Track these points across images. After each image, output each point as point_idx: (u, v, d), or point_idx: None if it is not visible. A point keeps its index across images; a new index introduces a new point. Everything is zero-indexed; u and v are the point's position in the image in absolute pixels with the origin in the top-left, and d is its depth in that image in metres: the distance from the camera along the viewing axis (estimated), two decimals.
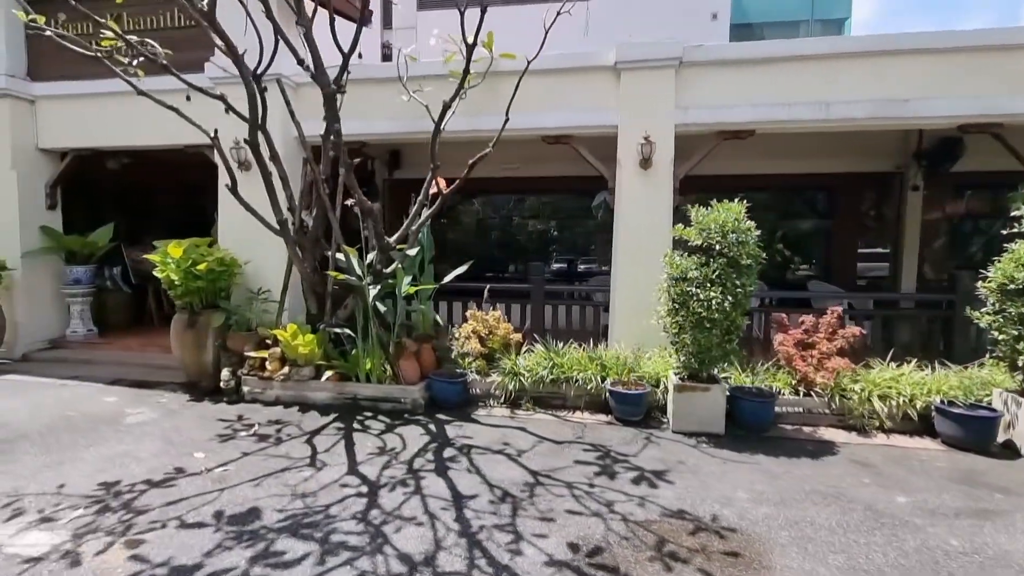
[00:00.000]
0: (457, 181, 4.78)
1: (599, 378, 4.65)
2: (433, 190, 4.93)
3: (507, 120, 4.68)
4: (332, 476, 3.32)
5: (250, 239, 5.74)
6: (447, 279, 5.27)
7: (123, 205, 9.14)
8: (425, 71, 5.31)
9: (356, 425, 4.27)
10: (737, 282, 3.88)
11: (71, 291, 6.83)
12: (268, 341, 4.96)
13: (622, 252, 5.33)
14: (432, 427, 4.25)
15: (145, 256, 5.21)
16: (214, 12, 4.13)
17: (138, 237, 8.37)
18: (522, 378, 4.76)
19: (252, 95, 4.23)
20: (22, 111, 6.53)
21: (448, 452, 3.73)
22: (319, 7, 6.14)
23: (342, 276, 4.53)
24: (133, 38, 4.40)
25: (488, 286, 5.32)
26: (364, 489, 3.15)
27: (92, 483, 3.18)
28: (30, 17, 4.30)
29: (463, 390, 4.80)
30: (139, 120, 6.31)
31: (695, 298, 3.91)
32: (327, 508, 2.92)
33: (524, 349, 5.15)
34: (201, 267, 5.01)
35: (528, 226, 9.49)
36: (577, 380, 4.68)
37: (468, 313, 5.32)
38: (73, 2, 4.26)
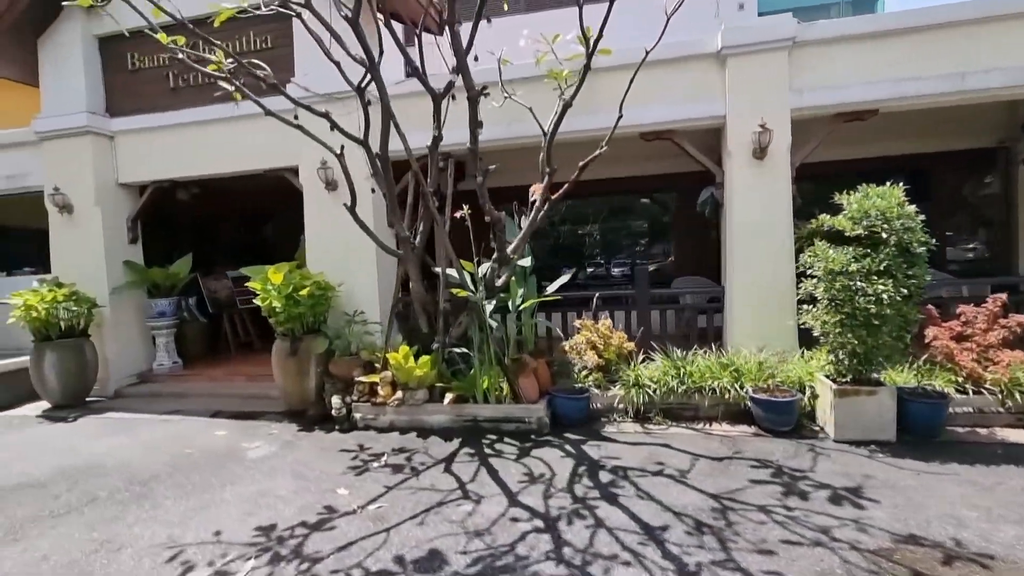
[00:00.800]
0: (566, 185, 4.54)
1: (737, 386, 4.31)
2: (532, 197, 4.69)
3: (620, 116, 4.41)
4: (496, 509, 3.06)
5: (340, 260, 5.61)
6: (551, 289, 5.02)
7: (191, 235, 9.19)
8: (516, 74, 5.11)
9: (487, 450, 4.02)
10: (909, 272, 3.51)
11: (156, 324, 6.79)
12: (377, 365, 4.76)
13: (738, 250, 4.99)
14: (569, 448, 3.96)
15: (247, 284, 5.07)
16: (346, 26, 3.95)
17: (207, 266, 8.36)
18: (648, 390, 4.45)
19: (386, 107, 4.03)
20: (103, 147, 6.55)
21: (604, 476, 3.44)
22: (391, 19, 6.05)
23: (464, 293, 4.30)
24: (222, 61, 4.23)
25: (597, 294, 5.03)
26: (539, 523, 2.88)
27: (247, 528, 2.97)
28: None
29: (586, 406, 4.51)
30: (217, 148, 6.28)
31: (860, 293, 3.56)
32: (512, 547, 2.65)
33: (641, 359, 4.84)
34: (303, 292, 4.85)
35: (587, 229, 9.19)
36: (713, 389, 4.34)
37: (577, 323, 5.04)
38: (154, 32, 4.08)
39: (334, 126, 4.33)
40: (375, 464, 3.84)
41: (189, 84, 6.34)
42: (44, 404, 6.18)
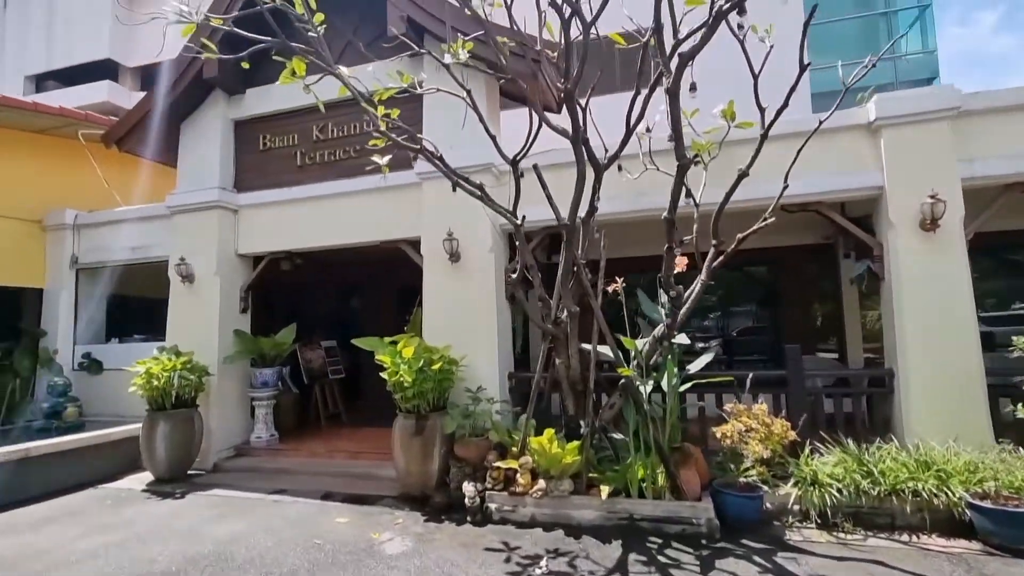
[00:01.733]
0: (720, 257, 4.25)
1: (946, 490, 3.67)
2: (678, 269, 4.41)
3: (786, 186, 4.17)
4: None
5: (460, 333, 5.40)
6: (696, 367, 4.60)
7: (285, 304, 9.32)
8: (649, 148, 5.06)
9: (659, 557, 3.47)
10: None
11: (258, 394, 6.68)
12: (514, 449, 4.37)
13: (910, 328, 4.49)
14: (761, 561, 3.37)
15: (378, 358, 4.90)
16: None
17: (300, 335, 8.36)
18: (830, 490, 3.85)
19: (581, 174, 3.94)
20: (228, 221, 6.82)
21: None
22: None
23: (628, 371, 3.95)
24: (385, 135, 4.31)
25: (751, 374, 4.57)
26: None
27: None
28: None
29: (760, 506, 3.93)
30: (336, 220, 6.42)
31: None
32: None
33: (807, 451, 4.26)
34: (436, 366, 4.62)
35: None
36: (915, 492, 3.71)
37: (728, 408, 4.55)
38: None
39: (484, 197, 4.27)
40: (536, 571, 3.35)
41: (315, 161, 6.63)
42: (146, 476, 6.00)
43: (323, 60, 3.69)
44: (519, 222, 4.34)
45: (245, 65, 3.95)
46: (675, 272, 4.33)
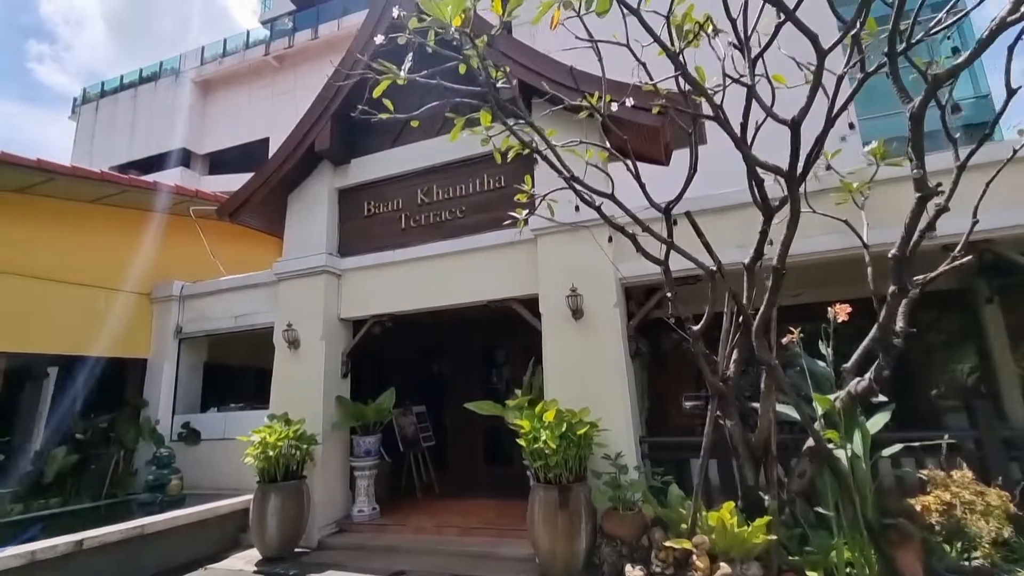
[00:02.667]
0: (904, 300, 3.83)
1: None
2: (841, 318, 3.99)
3: (976, 221, 3.80)
4: None
5: (585, 393, 5.03)
6: (872, 428, 4.05)
7: (372, 369, 9.20)
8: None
9: None
10: None
11: (360, 464, 6.39)
12: (683, 526, 3.85)
13: None
14: None
15: (514, 422, 4.58)
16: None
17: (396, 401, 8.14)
18: None
19: (771, 214, 3.66)
20: (332, 285, 6.87)
21: None
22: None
23: (833, 434, 3.49)
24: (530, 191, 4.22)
25: (945, 435, 3.98)
26: None
27: None
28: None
29: None
30: (443, 281, 6.34)
31: None
32: None
33: None
34: (581, 431, 4.26)
35: None
36: None
37: (923, 473, 3.94)
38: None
39: (639, 248, 4.06)
40: None
41: (419, 223, 6.69)
42: (250, 554, 5.68)
43: (508, 113, 3.64)
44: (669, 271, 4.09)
45: (414, 124, 3.94)
46: (840, 321, 3.92)
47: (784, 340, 3.79)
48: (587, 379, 5.15)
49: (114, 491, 6.80)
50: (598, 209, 4.00)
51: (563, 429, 4.28)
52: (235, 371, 8.66)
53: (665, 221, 4.07)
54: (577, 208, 4.95)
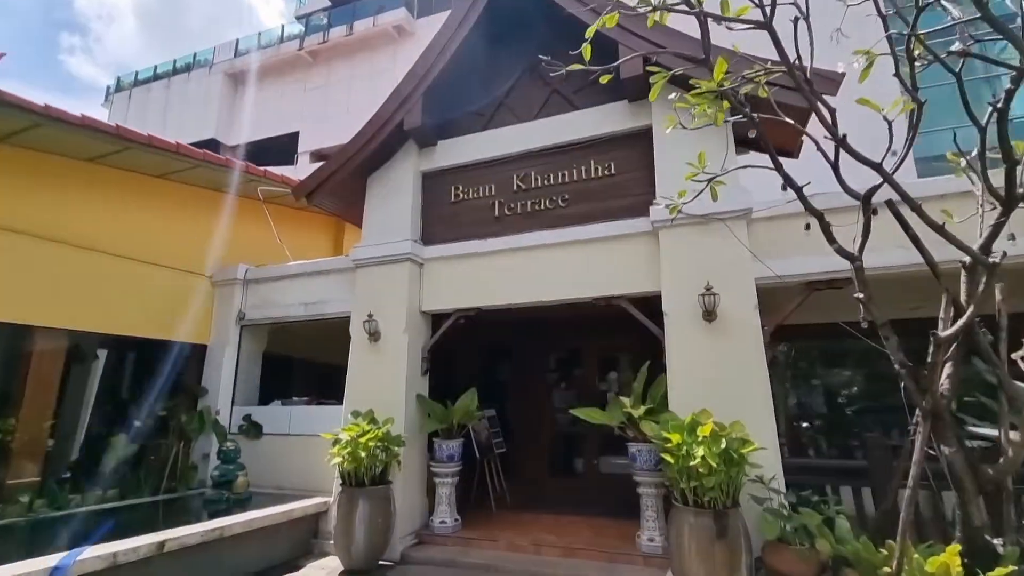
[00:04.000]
0: None
1: None
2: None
3: None
4: None
5: (722, 405, 4.43)
6: None
7: (447, 368, 8.66)
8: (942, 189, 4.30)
9: None
10: None
11: (442, 470, 5.85)
12: (887, 569, 3.25)
13: None
14: None
15: (663, 435, 4.02)
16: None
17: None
18: None
19: (1014, 204, 3.04)
20: (415, 275, 6.38)
21: None
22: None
23: None
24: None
25: None
26: None
27: None
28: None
29: None
30: (536, 275, 5.81)
31: None
32: None
33: None
34: (743, 449, 3.68)
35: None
36: None
37: None
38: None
39: (832, 241, 3.48)
40: None
41: (515, 212, 6.17)
42: (327, 562, 5.19)
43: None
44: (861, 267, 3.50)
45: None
46: None
47: (1016, 355, 3.19)
48: (722, 389, 4.57)
49: (174, 485, 6.34)
50: (799, 192, 3.41)
51: (722, 446, 3.71)
52: (297, 363, 8.22)
53: (862, 210, 3.49)
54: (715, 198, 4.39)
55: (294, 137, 27.07)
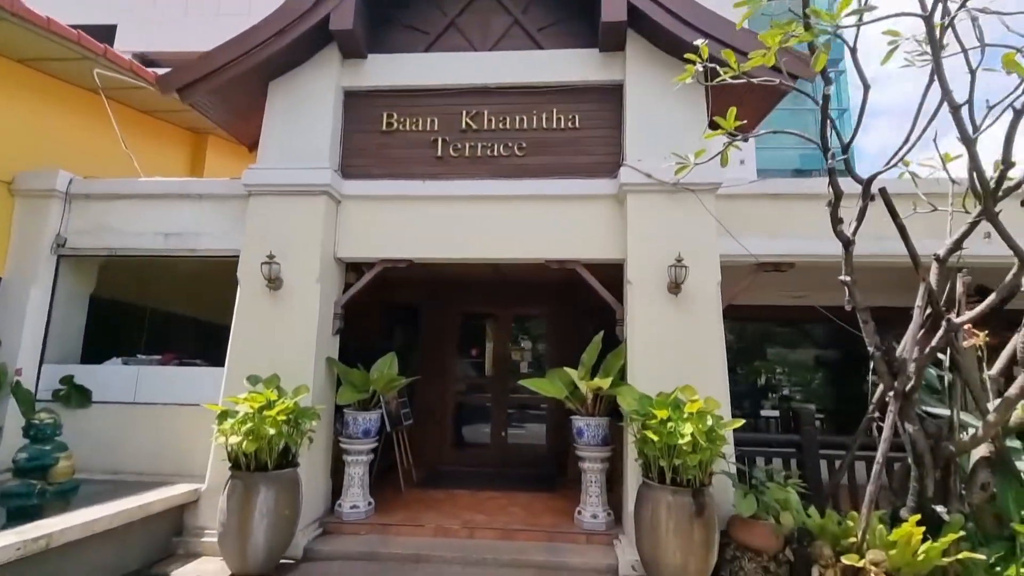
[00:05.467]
0: None
1: None
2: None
3: None
4: None
5: (681, 380, 4.33)
6: None
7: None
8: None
9: None
10: None
11: (357, 447, 4.96)
12: (851, 539, 3.39)
13: None
14: None
15: (647, 410, 3.70)
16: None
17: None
18: None
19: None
20: (331, 213, 5.23)
21: None
22: None
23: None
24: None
25: None
26: None
27: None
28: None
29: None
30: (483, 229, 5.17)
31: None
32: None
33: None
34: (726, 427, 3.57)
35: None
36: None
37: None
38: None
39: (837, 222, 3.45)
40: None
41: (462, 154, 5.35)
42: (204, 566, 4.05)
43: None
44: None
45: None
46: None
47: (968, 342, 3.52)
48: (684, 365, 4.47)
49: None
50: (832, 171, 3.28)
51: (708, 423, 3.56)
52: (145, 312, 6.37)
53: (862, 195, 3.52)
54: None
55: (110, 32, 21.34)
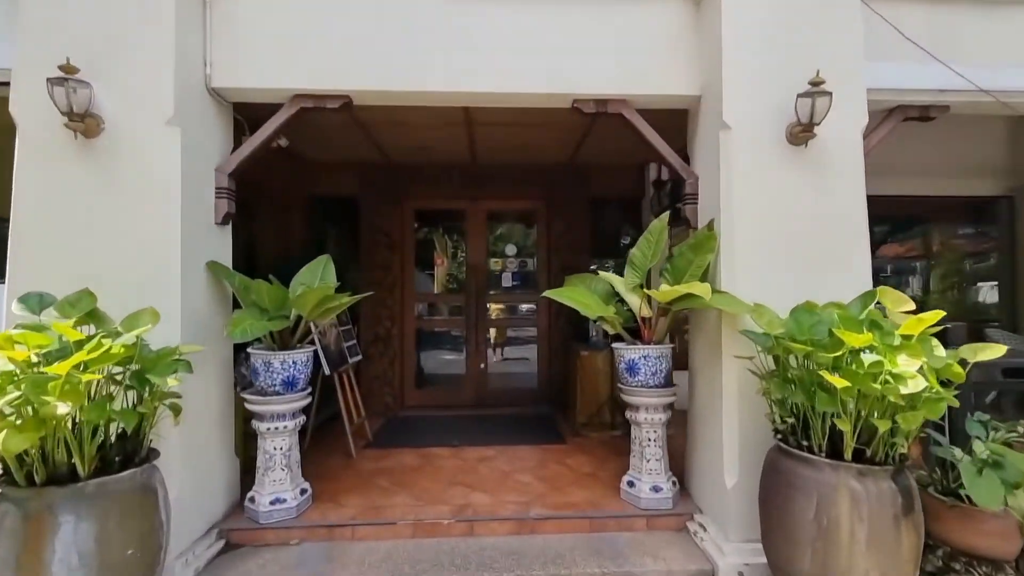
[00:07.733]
0: None
1: None
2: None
3: None
4: None
5: (818, 289, 2.68)
6: None
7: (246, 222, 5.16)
8: None
9: None
10: None
11: (277, 408, 3.01)
12: None
13: None
14: None
15: (828, 338, 1.97)
16: None
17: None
18: None
19: None
20: (195, 5, 2.87)
21: None
22: None
23: None
24: None
25: None
26: None
27: None
28: None
29: None
30: (461, 47, 3.05)
31: None
32: None
33: None
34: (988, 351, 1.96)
35: None
36: None
37: None
38: None
39: None
40: None
41: None
42: None
43: None
44: None
45: None
46: None
47: None
48: (815, 262, 2.80)
49: None
50: None
51: (941, 355, 1.93)
52: None
53: None
54: None
55: None
